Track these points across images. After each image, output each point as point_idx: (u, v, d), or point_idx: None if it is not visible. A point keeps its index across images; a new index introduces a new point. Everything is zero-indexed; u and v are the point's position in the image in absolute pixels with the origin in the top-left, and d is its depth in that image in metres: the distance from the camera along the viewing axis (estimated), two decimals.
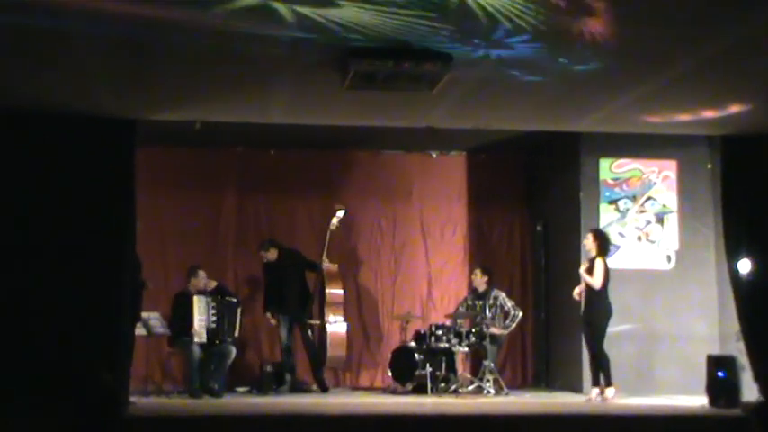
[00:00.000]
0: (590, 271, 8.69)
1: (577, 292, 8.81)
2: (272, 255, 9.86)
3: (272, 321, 9.89)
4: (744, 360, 8.24)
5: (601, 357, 8.59)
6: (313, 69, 6.56)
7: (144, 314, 8.82)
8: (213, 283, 9.58)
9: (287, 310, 9.79)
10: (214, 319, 9.30)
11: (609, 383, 8.56)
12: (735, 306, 8.45)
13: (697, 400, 8.32)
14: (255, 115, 8.16)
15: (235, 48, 6.07)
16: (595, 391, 8.64)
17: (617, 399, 8.55)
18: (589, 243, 8.85)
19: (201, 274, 9.49)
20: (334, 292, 9.89)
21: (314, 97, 7.38)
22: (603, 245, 8.82)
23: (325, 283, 9.87)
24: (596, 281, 8.61)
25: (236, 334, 9.51)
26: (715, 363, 8.33)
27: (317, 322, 9.90)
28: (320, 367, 9.86)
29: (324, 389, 9.75)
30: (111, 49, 6.14)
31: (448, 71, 6.37)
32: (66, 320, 7.36)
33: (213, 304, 9.36)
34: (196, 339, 9.15)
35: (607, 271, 8.69)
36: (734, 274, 8.37)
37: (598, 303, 8.64)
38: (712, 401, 8.13)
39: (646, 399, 8.77)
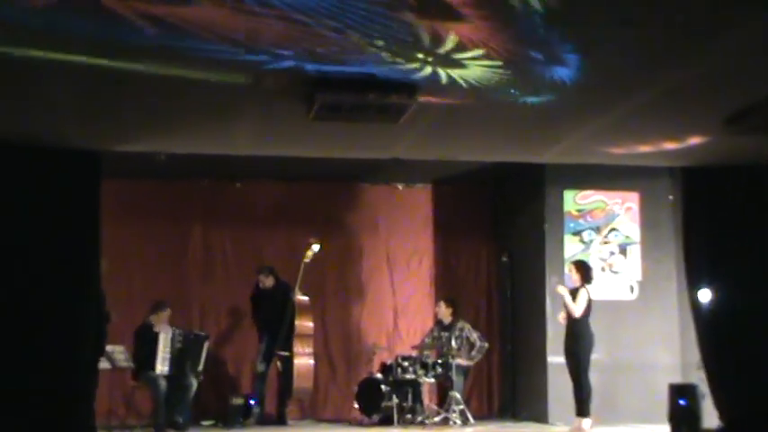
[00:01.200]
0: (573, 299, 8.73)
1: (562, 316, 8.84)
2: (269, 282, 9.81)
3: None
4: (704, 388, 8.28)
5: (583, 387, 8.60)
6: (278, 99, 6.54)
7: (108, 347, 8.71)
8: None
9: (273, 341, 9.72)
10: (178, 353, 9.20)
11: (586, 414, 8.57)
12: (695, 335, 8.51)
13: (660, 429, 8.35)
14: (221, 146, 8.13)
15: (198, 78, 6.05)
16: (578, 420, 8.61)
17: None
18: (573, 274, 8.89)
19: (166, 313, 9.39)
20: (305, 324, 9.87)
21: (279, 128, 7.36)
22: (586, 274, 8.87)
23: (295, 315, 9.82)
24: (578, 308, 8.66)
25: (201, 368, 9.42)
26: (677, 391, 8.37)
27: (287, 353, 9.85)
28: (286, 400, 9.77)
29: (283, 421, 9.68)
30: (76, 79, 6.10)
31: (413, 102, 6.39)
32: (27, 354, 7.24)
33: (180, 338, 9.26)
34: (158, 371, 9.05)
35: (590, 301, 8.73)
36: (694, 303, 8.44)
37: (581, 333, 8.68)
38: (674, 429, 8.18)
39: (610, 428, 8.82)
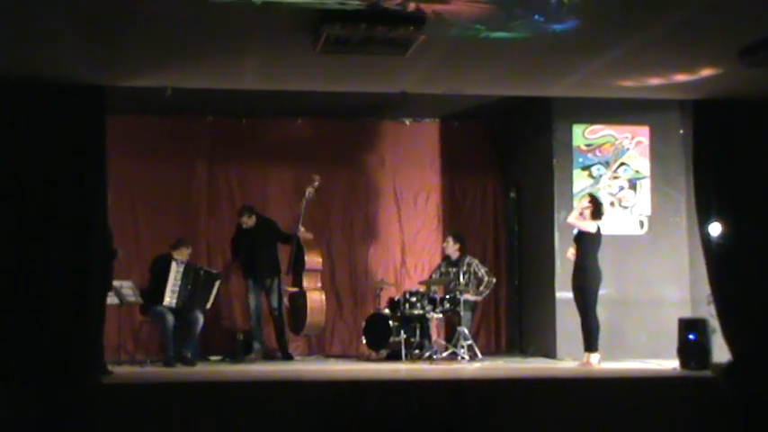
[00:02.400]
0: (577, 238, 8.78)
1: (571, 252, 8.89)
2: (251, 221, 9.87)
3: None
4: (714, 323, 8.36)
5: (591, 323, 8.65)
6: (285, 33, 6.54)
7: (116, 283, 8.81)
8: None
9: (257, 277, 9.81)
10: (188, 287, 9.29)
11: (595, 349, 8.64)
12: (706, 270, 8.57)
13: (668, 364, 8.45)
14: (227, 81, 8.13)
15: (205, 10, 6.03)
16: (587, 355, 8.68)
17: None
18: (586, 207, 8.86)
19: (185, 250, 9.46)
20: (314, 259, 9.94)
21: (286, 62, 7.35)
22: (597, 209, 8.86)
23: (303, 251, 9.90)
24: (589, 225, 8.67)
25: (209, 306, 9.52)
26: (686, 326, 8.43)
27: (296, 289, 9.93)
28: (284, 335, 9.89)
29: (288, 357, 9.80)
30: (79, 12, 6.08)
31: (421, 34, 6.37)
32: (34, 290, 7.34)
33: (192, 273, 9.33)
34: (165, 302, 9.14)
35: (599, 236, 8.76)
36: (705, 237, 8.48)
37: (588, 268, 8.69)
38: (683, 364, 8.25)
39: (618, 363, 8.87)
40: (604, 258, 8.88)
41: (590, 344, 8.69)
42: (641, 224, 9.89)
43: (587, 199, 8.96)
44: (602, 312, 8.84)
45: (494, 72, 7.76)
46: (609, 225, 9.36)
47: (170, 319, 9.11)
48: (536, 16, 6.18)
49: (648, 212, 9.89)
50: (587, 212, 8.84)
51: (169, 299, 9.19)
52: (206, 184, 10.72)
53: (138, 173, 10.35)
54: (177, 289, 9.24)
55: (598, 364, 8.64)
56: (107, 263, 8.19)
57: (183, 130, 10.63)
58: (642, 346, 9.44)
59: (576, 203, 9.33)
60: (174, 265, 9.23)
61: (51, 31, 6.43)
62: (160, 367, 8.91)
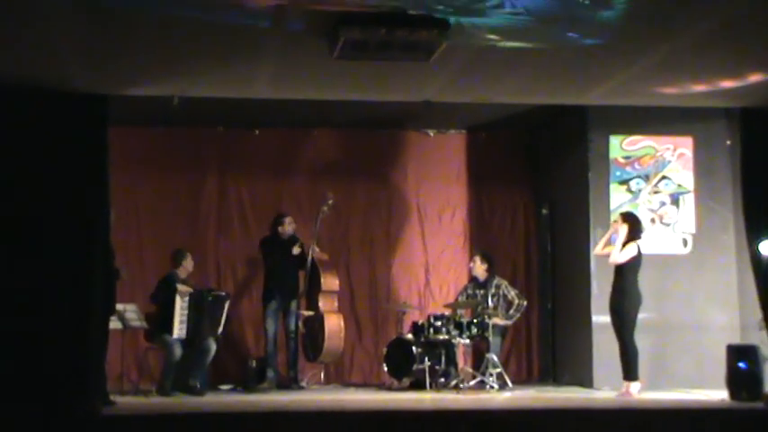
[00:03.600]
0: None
1: (600, 248, 8.88)
2: (292, 229, 9.87)
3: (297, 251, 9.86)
4: (767, 350, 8.26)
5: (629, 349, 8.59)
6: (300, 38, 6.55)
7: (119, 306, 8.80)
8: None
9: (283, 298, 9.81)
10: (197, 316, 9.28)
11: (635, 378, 8.57)
12: (756, 292, 8.47)
13: (716, 394, 8.35)
14: (238, 89, 8.15)
15: (215, 14, 6.04)
16: (626, 384, 8.61)
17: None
18: (621, 227, 8.83)
19: (189, 257, 9.53)
20: (330, 281, 9.95)
21: (301, 68, 7.36)
22: (635, 227, 8.81)
23: (319, 272, 9.90)
24: (619, 255, 8.62)
25: (221, 330, 9.51)
26: (735, 353, 8.34)
27: (311, 313, 9.91)
28: (297, 363, 9.90)
29: (298, 386, 9.78)
30: (81, 16, 6.11)
31: (445, 39, 6.37)
32: (29, 313, 7.32)
33: (197, 301, 9.32)
34: (175, 335, 9.14)
35: (639, 256, 8.71)
36: (755, 257, 8.39)
37: (627, 290, 8.64)
38: (733, 394, 8.16)
39: (660, 393, 8.80)
40: (645, 280, 8.82)
41: (629, 372, 8.61)
42: (684, 243, 9.82)
43: (620, 220, 8.88)
44: (643, 338, 8.78)
45: (523, 79, 7.74)
46: (650, 244, 9.32)
47: (178, 351, 9.10)
48: (570, 34, 6.16)
49: (692, 230, 9.83)
50: (623, 233, 8.75)
51: (178, 331, 9.17)
52: (216, 199, 10.75)
53: (142, 187, 10.41)
54: (185, 319, 9.23)
55: (638, 393, 8.56)
56: (109, 284, 8.17)
57: (191, 141, 10.67)
58: (687, 374, 9.38)
59: (612, 220, 9.25)
60: (177, 298, 9.22)
61: (50, 34, 6.44)
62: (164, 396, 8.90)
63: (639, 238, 8.82)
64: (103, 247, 7.83)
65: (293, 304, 9.87)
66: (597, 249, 9.08)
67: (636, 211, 9.38)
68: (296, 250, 9.83)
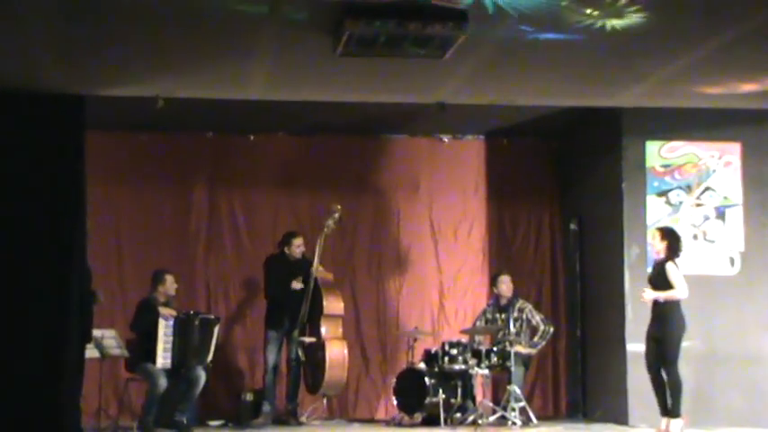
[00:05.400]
0: (656, 278, 8.62)
1: (647, 294, 8.72)
2: (300, 250, 9.87)
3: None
4: None
5: (674, 382, 8.52)
6: (300, 32, 6.56)
7: (96, 332, 8.79)
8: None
9: (288, 323, 9.80)
10: (183, 343, 9.23)
11: (677, 414, 8.50)
12: None
13: None
14: (231, 89, 8.19)
15: (203, 4, 6.01)
16: (666, 421, 8.55)
17: None
18: (657, 244, 8.80)
19: (170, 279, 9.47)
20: (334, 304, 9.92)
21: (301, 67, 7.41)
22: (674, 245, 8.76)
23: (321, 294, 9.87)
24: (681, 291, 8.56)
25: (210, 358, 9.47)
26: None
27: (312, 340, 9.87)
28: (297, 395, 9.89)
29: (298, 422, 9.75)
30: (54, 10, 6.09)
31: (462, 33, 6.36)
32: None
33: (183, 327, 9.27)
34: (159, 364, 9.09)
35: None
36: None
37: (668, 315, 8.58)
38: None
39: (705, 431, 8.75)
40: (687, 303, 8.75)
41: (670, 407, 8.51)
42: (732, 262, 9.78)
43: (658, 235, 8.82)
44: (685, 369, 8.70)
45: (549, 79, 7.76)
46: (692, 263, 9.30)
47: (162, 383, 9.05)
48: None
49: (741, 248, 9.78)
50: (662, 250, 8.69)
51: (162, 360, 9.12)
52: (206, 212, 10.73)
53: (123, 199, 10.38)
54: (170, 346, 9.18)
55: (680, 431, 8.46)
56: (85, 308, 8.14)
57: (179, 148, 10.65)
58: (735, 409, 9.33)
59: (649, 237, 9.17)
60: (161, 321, 9.17)
61: (21, 29, 6.42)
62: None
63: (678, 256, 8.76)
64: (78, 265, 7.80)
65: (296, 331, 9.83)
66: (645, 296, 8.86)
67: (677, 227, 9.29)
68: (296, 285, 9.76)
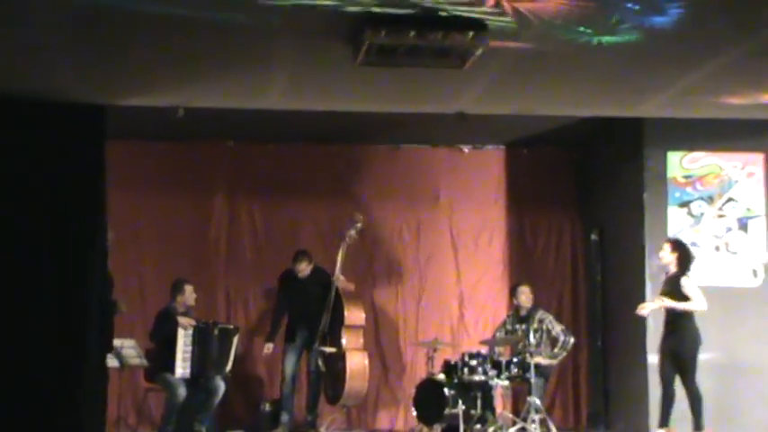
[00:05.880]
0: (670, 292, 8.57)
1: (657, 303, 8.70)
2: (308, 269, 9.94)
3: (267, 351, 9.91)
4: None
5: (695, 395, 8.51)
6: (319, 42, 6.54)
7: (116, 342, 8.80)
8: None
9: (305, 335, 9.84)
10: (202, 352, 9.24)
11: (701, 427, 8.48)
12: None
13: None
14: (250, 99, 8.18)
15: (223, 15, 6.02)
16: None
17: None
18: (666, 256, 8.77)
19: (189, 289, 9.51)
20: (355, 314, 9.94)
21: (320, 76, 7.38)
22: (685, 258, 8.73)
23: (343, 304, 9.89)
24: (699, 303, 8.55)
25: (229, 367, 9.48)
26: None
27: (333, 350, 9.87)
28: (317, 405, 9.93)
29: (317, 431, 9.78)
30: (75, 20, 6.11)
31: (482, 43, 6.33)
32: (16, 351, 7.30)
33: (203, 336, 9.28)
34: (178, 374, 9.11)
35: None
36: None
37: (684, 329, 8.57)
38: None
39: None
40: (709, 315, 8.75)
41: (697, 421, 8.50)
42: (755, 273, 9.74)
43: (669, 247, 8.79)
44: (708, 381, 8.74)
45: (570, 88, 7.73)
46: (715, 275, 9.29)
47: (182, 392, 9.08)
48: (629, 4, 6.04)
49: (764, 259, 9.76)
50: (673, 261, 8.64)
51: (182, 369, 9.16)
52: (225, 221, 10.77)
53: (143, 208, 10.42)
54: (189, 356, 9.20)
55: None
56: (107, 317, 8.16)
57: (199, 157, 10.69)
58: (758, 421, 9.26)
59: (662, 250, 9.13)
60: (180, 331, 9.20)
61: (42, 40, 6.45)
62: None
63: (690, 269, 8.73)
64: (100, 275, 7.82)
65: (317, 341, 9.87)
66: (653, 305, 8.83)
67: (699, 238, 9.27)
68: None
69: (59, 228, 7.59)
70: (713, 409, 8.76)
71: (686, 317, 8.60)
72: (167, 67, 7.14)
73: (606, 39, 6.36)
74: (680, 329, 8.61)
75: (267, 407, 9.83)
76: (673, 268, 8.77)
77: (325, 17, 6.09)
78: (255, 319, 10.62)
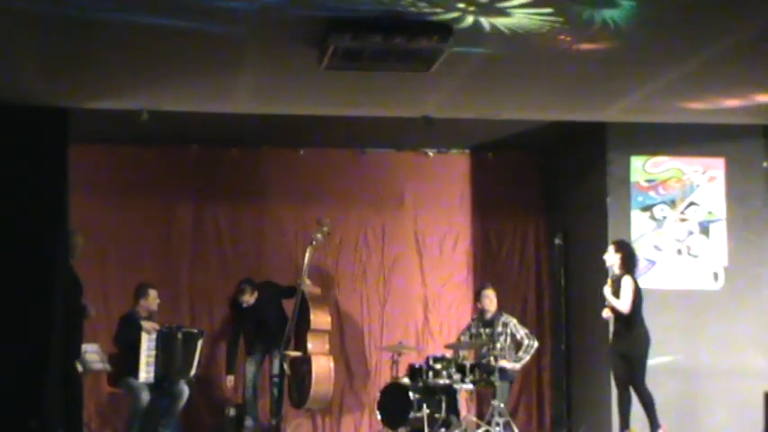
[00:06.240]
0: (616, 292, 8.64)
1: (607, 312, 8.75)
2: (253, 298, 9.89)
3: (230, 384, 9.93)
4: None
5: (646, 398, 8.51)
6: (285, 46, 6.55)
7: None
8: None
9: (264, 347, 9.88)
10: (166, 357, 9.20)
11: (657, 426, 8.49)
12: None
13: None
14: (215, 103, 8.16)
15: (188, 17, 6.01)
16: None
17: None
18: (611, 257, 8.81)
19: (153, 293, 9.45)
20: (321, 318, 9.94)
21: (286, 80, 7.39)
22: (629, 259, 8.78)
23: (309, 309, 9.88)
24: (623, 303, 8.56)
25: (194, 372, 9.45)
26: None
27: (298, 354, 9.86)
28: (281, 410, 9.91)
29: None
30: (38, 23, 6.07)
31: (447, 47, 6.36)
32: None
33: (166, 340, 9.24)
34: (142, 379, 9.06)
35: (638, 291, 8.65)
36: None
37: (633, 331, 8.59)
38: None
39: None
40: (671, 318, 8.86)
41: (652, 421, 8.51)
42: (715, 277, 9.78)
43: (613, 248, 8.83)
44: (669, 384, 8.75)
45: (536, 92, 7.76)
46: (677, 278, 9.29)
47: (145, 397, 9.04)
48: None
49: (725, 263, 9.78)
50: (617, 263, 8.70)
51: (145, 374, 9.11)
52: (190, 226, 10.70)
53: (107, 213, 10.33)
54: (153, 360, 9.16)
55: None
56: (76, 323, 8.10)
57: (163, 161, 10.62)
58: (720, 424, 9.31)
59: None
60: (144, 336, 9.16)
61: (3, 41, 6.40)
62: None
63: (634, 270, 8.77)
64: (64, 279, 7.76)
65: (278, 345, 9.85)
66: (604, 314, 8.78)
67: (661, 241, 9.31)
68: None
69: (20, 232, 7.54)
70: (674, 411, 8.83)
71: (631, 319, 8.58)
72: (132, 71, 7.12)
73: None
74: (628, 331, 8.62)
75: (231, 411, 9.81)
76: (617, 269, 8.78)
77: (291, 21, 6.10)
78: (220, 324, 10.55)
